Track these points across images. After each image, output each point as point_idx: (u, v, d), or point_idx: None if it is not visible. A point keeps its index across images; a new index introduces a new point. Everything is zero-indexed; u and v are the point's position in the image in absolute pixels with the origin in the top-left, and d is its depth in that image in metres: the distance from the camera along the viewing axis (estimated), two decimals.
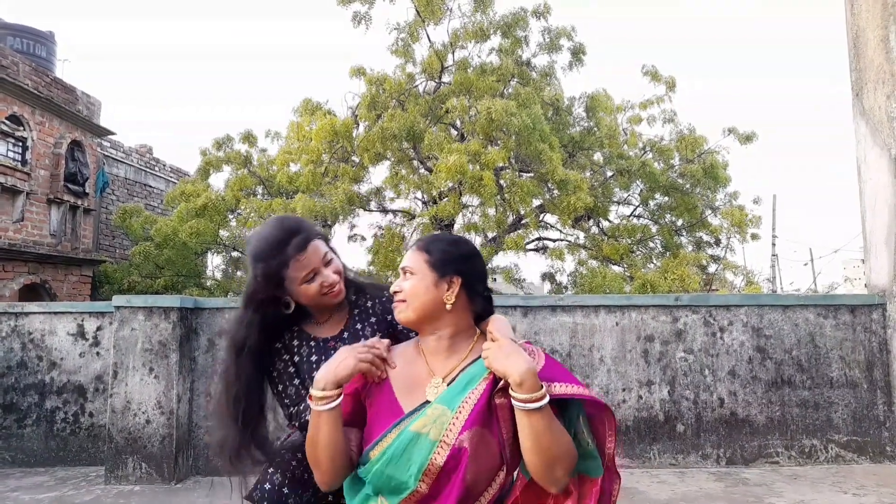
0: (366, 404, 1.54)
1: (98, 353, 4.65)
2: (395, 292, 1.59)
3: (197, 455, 4.30)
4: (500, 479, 1.44)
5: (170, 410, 4.12)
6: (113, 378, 4.14)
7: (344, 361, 1.47)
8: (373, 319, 1.97)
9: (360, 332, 1.93)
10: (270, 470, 1.76)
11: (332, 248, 1.95)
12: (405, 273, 1.59)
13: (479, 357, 1.49)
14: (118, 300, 4.22)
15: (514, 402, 1.37)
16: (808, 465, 4.38)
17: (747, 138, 12.78)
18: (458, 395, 1.44)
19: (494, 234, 12.09)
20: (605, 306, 4.39)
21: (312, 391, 1.45)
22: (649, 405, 4.39)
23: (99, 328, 4.67)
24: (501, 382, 1.42)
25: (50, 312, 4.71)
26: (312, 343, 1.91)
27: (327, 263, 1.87)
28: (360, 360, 1.48)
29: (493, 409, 1.44)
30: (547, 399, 1.36)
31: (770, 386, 4.44)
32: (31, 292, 12.36)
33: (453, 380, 1.49)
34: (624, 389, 4.39)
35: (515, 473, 1.48)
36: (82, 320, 4.70)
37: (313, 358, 1.89)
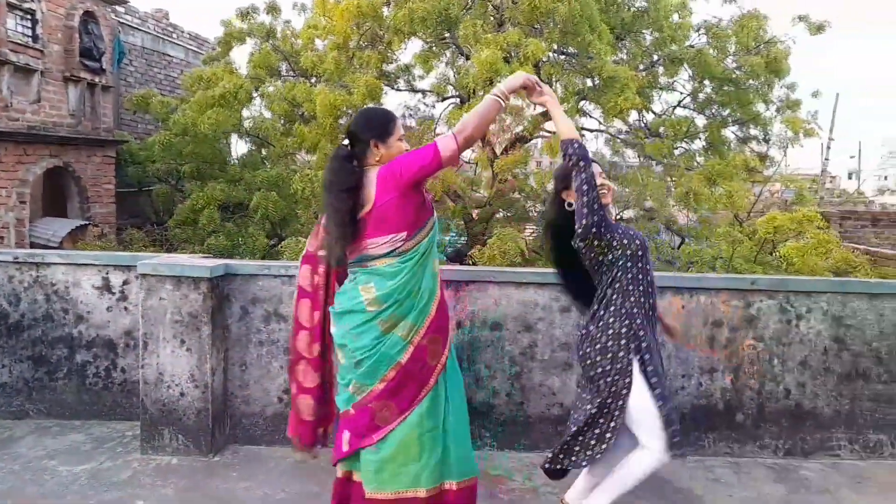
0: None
1: (126, 309, 4.41)
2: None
3: (234, 424, 4.17)
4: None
5: (204, 384, 3.93)
6: (143, 349, 3.92)
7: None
8: None
9: None
10: None
11: None
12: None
13: None
14: (143, 267, 3.90)
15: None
16: (871, 458, 4.16)
17: (819, 28, 11.51)
18: None
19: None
20: (673, 288, 3.99)
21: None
22: (709, 393, 4.12)
23: (125, 282, 4.40)
24: None
25: (72, 264, 4.43)
26: None
27: None
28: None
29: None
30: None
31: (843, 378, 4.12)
32: (55, 177, 12.10)
33: None
34: (683, 376, 4.10)
35: None
36: (107, 273, 4.42)
37: None
